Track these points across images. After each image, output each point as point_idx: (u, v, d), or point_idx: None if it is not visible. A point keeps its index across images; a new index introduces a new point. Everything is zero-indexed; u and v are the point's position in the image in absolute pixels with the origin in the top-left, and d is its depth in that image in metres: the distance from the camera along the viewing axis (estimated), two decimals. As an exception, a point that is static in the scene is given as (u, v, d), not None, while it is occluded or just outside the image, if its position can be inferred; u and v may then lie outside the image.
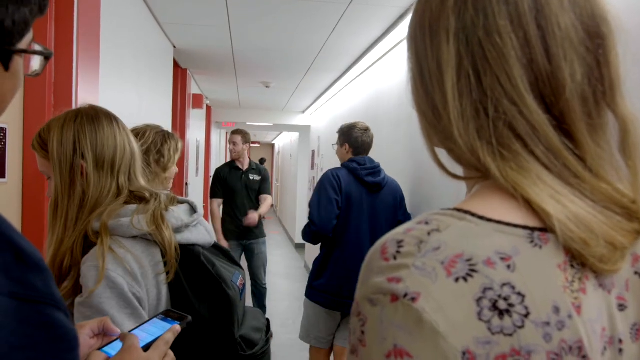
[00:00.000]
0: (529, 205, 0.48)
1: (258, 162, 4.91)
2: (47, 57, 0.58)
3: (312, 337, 2.96)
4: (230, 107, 8.45)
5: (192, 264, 1.17)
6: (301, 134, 9.96)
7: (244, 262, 4.65)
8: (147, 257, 1.12)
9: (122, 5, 2.71)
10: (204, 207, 7.15)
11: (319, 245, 2.98)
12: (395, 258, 0.46)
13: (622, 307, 0.51)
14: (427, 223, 0.48)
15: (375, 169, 2.88)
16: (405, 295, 0.44)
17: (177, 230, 1.18)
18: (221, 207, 4.76)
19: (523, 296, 0.45)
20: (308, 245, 7.91)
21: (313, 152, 7.82)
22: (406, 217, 2.91)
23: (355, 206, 2.81)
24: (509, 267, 0.45)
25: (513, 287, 0.45)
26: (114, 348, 0.87)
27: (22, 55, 0.53)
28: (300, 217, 9.86)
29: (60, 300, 0.46)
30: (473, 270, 0.45)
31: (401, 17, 3.20)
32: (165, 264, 1.13)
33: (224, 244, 4.50)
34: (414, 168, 3.20)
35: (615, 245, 0.48)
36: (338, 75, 5.21)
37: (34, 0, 0.50)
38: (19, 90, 0.56)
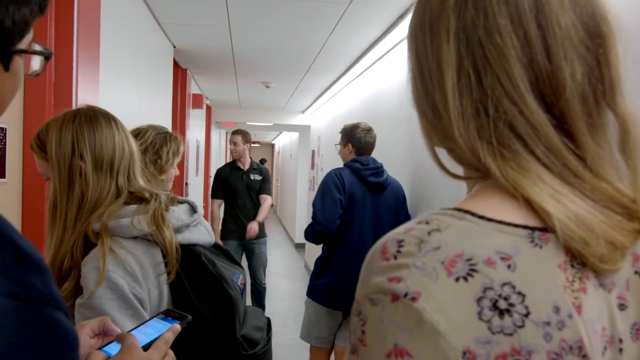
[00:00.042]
0: (529, 205, 0.48)
1: (259, 162, 4.92)
2: (47, 57, 0.58)
3: (313, 336, 2.97)
4: (230, 107, 8.46)
5: (193, 264, 1.17)
6: (301, 133, 9.96)
7: (244, 262, 4.66)
8: (148, 257, 1.11)
9: (122, 5, 2.71)
10: (203, 207, 7.16)
11: (319, 245, 2.98)
12: (395, 258, 0.46)
13: (622, 307, 0.51)
14: (427, 223, 0.48)
15: (379, 169, 2.89)
16: (406, 294, 0.44)
17: (178, 230, 1.17)
18: (221, 207, 4.78)
19: (523, 296, 0.45)
20: (308, 245, 7.91)
21: (313, 151, 7.82)
22: (407, 218, 2.91)
23: (358, 206, 2.81)
24: (509, 266, 0.45)
25: (513, 287, 0.45)
26: (114, 348, 0.87)
27: (22, 55, 0.53)
28: (300, 216, 9.86)
29: (60, 301, 0.46)
30: (473, 270, 0.45)
31: (401, 17, 3.20)
32: (166, 264, 1.13)
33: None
34: (414, 168, 3.20)
35: (616, 244, 0.48)
36: (338, 75, 5.21)
37: (34, 0, 0.50)
38: (19, 90, 0.56)
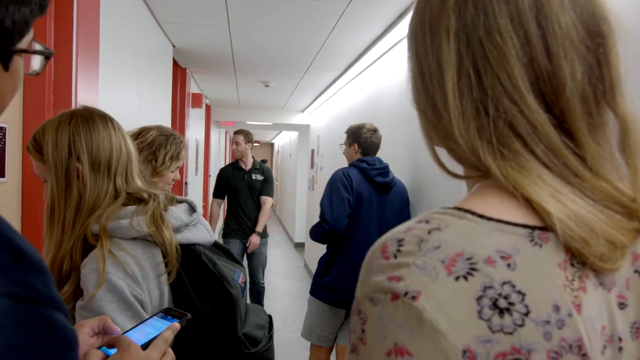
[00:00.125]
0: (529, 204, 0.49)
1: (263, 163, 4.93)
2: (47, 57, 0.58)
3: (314, 335, 2.97)
4: (229, 106, 8.45)
5: (193, 264, 1.17)
6: (300, 133, 9.96)
7: (243, 262, 4.67)
8: (148, 258, 1.11)
9: (122, 5, 2.71)
10: (203, 206, 7.15)
11: (320, 245, 2.98)
12: (395, 257, 0.46)
13: (622, 306, 0.51)
14: (427, 222, 0.48)
15: (385, 169, 2.91)
16: (406, 293, 0.44)
17: (177, 230, 1.17)
18: (222, 207, 4.81)
19: (523, 295, 0.45)
20: (307, 245, 7.91)
21: (312, 151, 7.82)
22: (408, 218, 2.92)
23: (365, 205, 2.83)
24: (509, 265, 0.45)
25: (513, 286, 0.45)
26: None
27: (22, 55, 0.53)
28: (300, 216, 9.86)
29: (59, 301, 0.46)
30: (473, 269, 0.45)
31: (401, 16, 3.20)
32: (166, 265, 1.12)
33: None
34: (414, 167, 3.20)
35: (615, 243, 0.48)
36: (338, 74, 5.21)
37: (34, 0, 0.50)
38: (19, 90, 0.56)
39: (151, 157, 1.72)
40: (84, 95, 2.02)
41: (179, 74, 4.89)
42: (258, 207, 4.67)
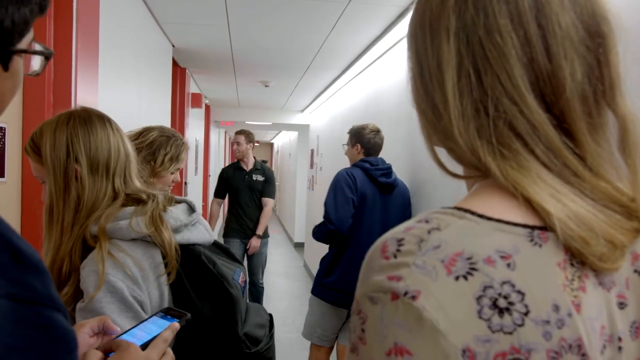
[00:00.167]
0: (529, 204, 0.49)
1: (264, 163, 4.94)
2: (47, 57, 0.58)
3: (315, 335, 2.98)
4: (229, 106, 8.45)
5: (193, 264, 1.17)
6: (300, 133, 9.95)
7: (244, 262, 4.68)
8: (147, 259, 1.11)
9: (121, 5, 2.71)
10: (202, 206, 7.15)
11: (321, 244, 2.99)
12: (395, 256, 0.46)
13: (622, 305, 0.51)
14: (427, 221, 0.48)
15: (388, 170, 2.93)
16: (406, 293, 0.44)
17: (176, 230, 1.17)
18: (222, 206, 4.83)
19: (523, 294, 0.45)
20: (307, 244, 7.90)
21: (312, 151, 7.82)
22: (408, 218, 2.93)
23: (369, 206, 2.84)
24: (508, 265, 0.45)
25: (513, 286, 0.45)
26: None
27: (22, 55, 0.53)
28: (300, 216, 9.86)
29: (58, 301, 0.46)
30: (473, 269, 0.45)
31: (400, 16, 3.20)
32: (165, 265, 1.12)
33: None
34: (414, 167, 3.20)
35: (615, 243, 0.48)
36: (337, 74, 5.21)
37: (34, 0, 0.49)
38: (19, 90, 0.56)
39: (150, 157, 1.71)
40: (83, 96, 2.02)
41: (179, 74, 4.89)
42: (259, 207, 4.68)
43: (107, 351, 0.84)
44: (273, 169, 17.87)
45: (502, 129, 0.50)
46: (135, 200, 1.17)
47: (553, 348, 0.45)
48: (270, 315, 1.43)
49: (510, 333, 0.44)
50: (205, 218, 4.77)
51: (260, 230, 4.61)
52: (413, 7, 0.59)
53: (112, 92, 2.56)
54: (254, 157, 4.85)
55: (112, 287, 1.04)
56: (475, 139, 0.51)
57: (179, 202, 1.27)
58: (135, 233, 1.10)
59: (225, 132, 13.41)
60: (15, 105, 1.80)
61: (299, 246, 9.60)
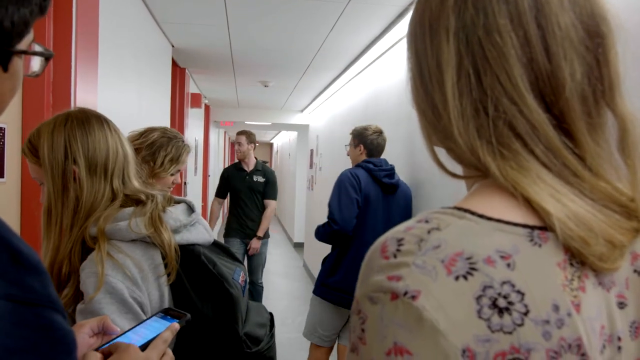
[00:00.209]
0: (529, 204, 0.49)
1: (265, 164, 4.95)
2: (47, 58, 0.57)
3: (316, 335, 2.98)
4: (228, 106, 8.45)
5: (193, 264, 1.17)
6: (299, 133, 9.95)
7: (244, 261, 4.69)
8: (147, 260, 1.11)
9: (121, 5, 2.71)
10: (202, 206, 7.15)
11: (320, 244, 2.99)
12: (395, 256, 0.46)
13: (622, 305, 0.51)
14: (427, 221, 0.48)
15: (392, 171, 2.94)
16: (406, 293, 0.44)
17: (176, 230, 1.16)
18: (223, 206, 4.86)
19: (523, 294, 0.45)
20: (307, 244, 7.90)
21: (311, 151, 7.82)
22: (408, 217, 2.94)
23: (372, 206, 2.85)
24: (508, 265, 0.45)
25: (513, 285, 0.45)
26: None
27: (22, 56, 0.52)
28: (299, 216, 9.86)
29: (58, 302, 0.46)
30: (473, 269, 0.45)
31: (400, 16, 3.20)
32: (165, 266, 1.12)
33: None
34: (413, 167, 3.20)
35: (615, 243, 0.48)
36: (337, 74, 5.21)
37: (34, 1, 0.49)
38: (18, 91, 0.56)
39: (149, 157, 1.71)
40: (83, 96, 2.02)
41: (178, 74, 4.89)
42: (258, 208, 4.70)
43: (107, 354, 0.84)
44: (272, 168, 17.83)
45: (501, 129, 0.50)
46: (134, 200, 1.16)
47: (553, 348, 0.45)
48: (271, 314, 1.43)
49: (510, 333, 0.44)
50: (205, 218, 4.81)
51: (261, 232, 4.63)
52: (413, 7, 0.59)
53: (112, 92, 2.56)
54: (256, 158, 4.86)
55: (111, 288, 1.04)
56: (475, 139, 0.51)
57: (178, 202, 1.27)
58: (134, 234, 1.09)
59: (225, 132, 13.41)
60: (14, 106, 1.80)
61: (299, 246, 9.60)
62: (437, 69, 0.53)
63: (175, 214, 1.19)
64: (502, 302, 0.44)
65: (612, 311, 0.50)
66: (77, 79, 1.98)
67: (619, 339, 0.50)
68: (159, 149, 1.71)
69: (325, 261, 2.98)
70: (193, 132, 5.87)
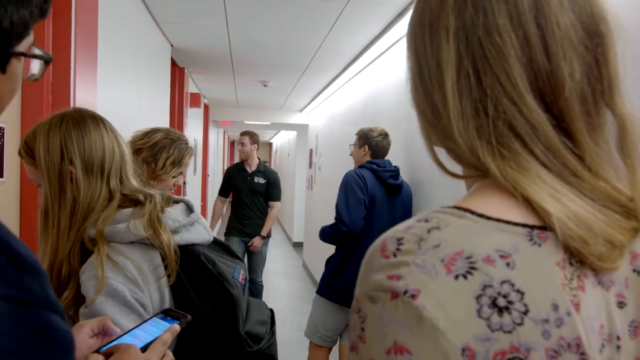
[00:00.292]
0: (528, 204, 0.49)
1: (267, 165, 4.96)
2: (47, 62, 0.57)
3: (318, 335, 2.98)
4: (228, 105, 8.44)
5: (193, 265, 1.16)
6: (299, 132, 9.95)
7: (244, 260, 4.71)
8: (147, 261, 1.10)
9: (120, 5, 2.70)
10: (201, 206, 7.15)
11: (320, 244, 2.99)
12: (395, 255, 0.47)
13: (621, 305, 0.51)
14: (426, 221, 0.48)
15: (396, 172, 2.95)
16: (405, 292, 0.44)
17: (175, 231, 1.16)
18: (225, 205, 4.96)
19: (522, 293, 0.45)
20: (306, 244, 7.90)
21: (311, 150, 7.81)
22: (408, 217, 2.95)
23: (378, 207, 2.85)
24: (508, 264, 0.46)
25: (512, 285, 0.45)
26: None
27: (21, 59, 0.52)
28: (299, 215, 9.86)
29: (56, 303, 0.46)
30: (473, 268, 0.45)
31: (399, 15, 3.20)
32: (165, 267, 1.11)
33: None
34: (413, 167, 3.20)
35: (614, 243, 0.48)
36: (336, 74, 5.21)
37: (34, 2, 0.49)
38: (17, 93, 0.55)
39: (151, 159, 1.70)
40: (82, 96, 2.02)
41: (177, 73, 4.89)
42: (259, 208, 4.73)
43: (108, 356, 0.84)
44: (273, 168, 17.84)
45: (501, 128, 0.50)
46: (132, 201, 1.16)
47: (552, 347, 0.45)
48: (272, 311, 1.43)
49: (509, 332, 0.44)
50: (205, 217, 4.82)
51: (264, 232, 4.66)
52: (412, 6, 0.59)
53: (111, 92, 2.56)
54: (258, 159, 4.86)
55: (113, 290, 1.04)
56: (475, 138, 0.51)
57: (176, 201, 1.26)
58: (133, 236, 1.09)
59: (224, 131, 13.40)
60: (14, 105, 1.79)
61: (298, 246, 9.60)
62: (437, 68, 0.53)
63: (174, 214, 1.19)
64: (501, 302, 0.44)
65: (612, 310, 0.50)
66: (77, 78, 1.98)
67: (618, 338, 0.50)
68: (160, 151, 1.70)
69: (330, 262, 2.97)
70: (192, 132, 5.87)
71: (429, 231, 0.47)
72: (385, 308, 0.45)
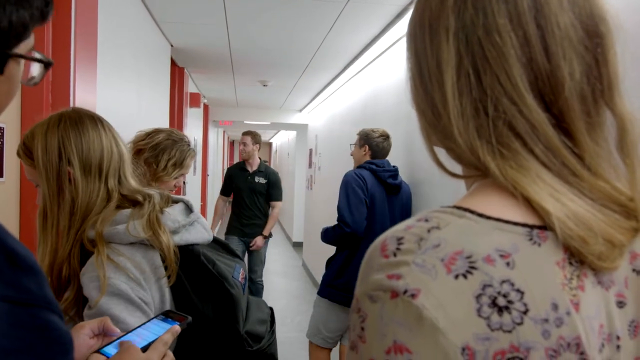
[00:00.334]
0: (528, 203, 0.49)
1: (268, 165, 4.98)
2: (46, 66, 0.57)
3: (319, 336, 2.97)
4: (227, 105, 8.44)
5: (193, 265, 1.16)
6: (298, 132, 9.95)
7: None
8: (147, 262, 1.10)
9: (120, 5, 2.70)
10: (201, 206, 7.15)
11: (320, 244, 2.99)
12: (395, 255, 0.47)
13: (621, 304, 0.51)
14: (426, 220, 0.48)
15: (395, 172, 2.95)
16: (405, 291, 0.44)
17: (174, 232, 1.16)
18: (226, 204, 5.01)
19: (522, 293, 0.45)
20: (306, 244, 7.90)
21: (310, 150, 7.81)
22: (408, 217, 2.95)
23: (378, 207, 2.86)
24: (508, 264, 0.46)
25: (512, 284, 0.45)
26: (113, 349, 0.86)
27: (20, 61, 0.52)
28: (298, 215, 9.86)
29: (54, 303, 0.46)
30: (473, 267, 0.45)
31: (399, 15, 3.20)
32: (165, 268, 1.11)
33: None
34: (413, 166, 3.20)
35: (614, 242, 0.48)
36: (336, 74, 5.21)
37: (35, 4, 0.48)
38: (15, 95, 0.55)
39: (152, 160, 1.70)
40: (82, 96, 2.02)
41: (177, 73, 4.89)
42: (259, 208, 4.75)
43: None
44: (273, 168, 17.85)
45: (501, 128, 0.50)
46: (131, 201, 1.15)
47: (552, 346, 0.45)
48: (271, 309, 1.43)
49: (509, 331, 0.44)
50: (205, 217, 4.82)
51: (266, 231, 4.69)
52: (412, 6, 0.59)
53: (111, 92, 2.56)
54: (260, 159, 4.87)
55: (116, 289, 1.04)
56: (475, 138, 0.51)
57: (175, 201, 1.26)
58: (132, 237, 1.09)
59: (224, 131, 13.40)
60: (13, 105, 1.79)
61: (298, 246, 9.60)
62: (437, 68, 0.53)
63: (173, 214, 1.18)
64: (501, 301, 0.44)
65: (611, 310, 0.50)
66: (76, 78, 1.98)
67: (618, 337, 0.50)
68: (162, 152, 1.69)
69: (332, 263, 2.97)
70: (192, 132, 5.87)
71: (429, 231, 0.47)
72: (385, 307, 0.45)
